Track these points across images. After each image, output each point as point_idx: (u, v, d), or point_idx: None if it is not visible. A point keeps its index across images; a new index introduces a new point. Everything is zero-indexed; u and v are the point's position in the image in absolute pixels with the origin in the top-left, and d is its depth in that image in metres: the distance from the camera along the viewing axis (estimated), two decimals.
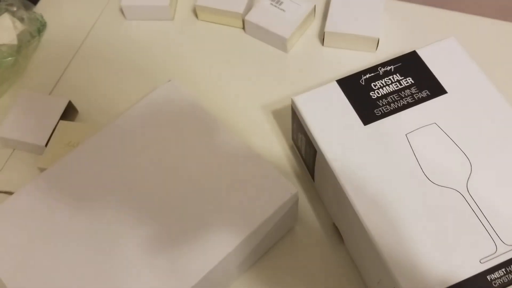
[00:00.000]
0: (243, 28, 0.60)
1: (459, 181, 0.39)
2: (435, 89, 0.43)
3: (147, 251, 0.38)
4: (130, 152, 0.43)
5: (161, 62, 0.59)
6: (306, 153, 0.46)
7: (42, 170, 0.51)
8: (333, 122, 0.42)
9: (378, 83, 0.44)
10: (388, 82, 0.44)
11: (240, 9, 0.58)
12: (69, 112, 0.55)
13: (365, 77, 0.45)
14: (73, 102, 0.56)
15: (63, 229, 0.40)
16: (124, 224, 0.40)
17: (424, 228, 0.37)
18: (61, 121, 0.53)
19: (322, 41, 0.58)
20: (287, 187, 0.40)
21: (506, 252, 0.36)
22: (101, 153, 0.44)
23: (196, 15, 0.62)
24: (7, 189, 0.51)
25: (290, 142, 0.52)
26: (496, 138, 0.41)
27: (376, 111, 0.43)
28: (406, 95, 0.43)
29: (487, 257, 0.36)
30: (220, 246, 0.38)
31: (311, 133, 0.42)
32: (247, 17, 0.57)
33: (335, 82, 0.45)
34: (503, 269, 0.35)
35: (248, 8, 0.59)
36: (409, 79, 0.44)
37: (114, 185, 0.42)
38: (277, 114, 0.54)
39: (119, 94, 0.57)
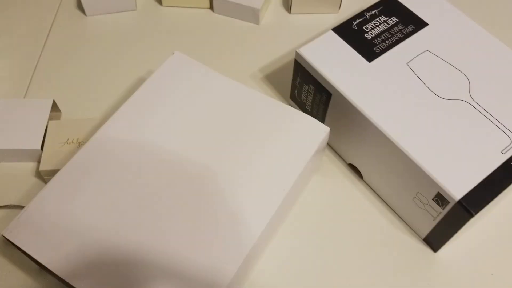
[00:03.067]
0: (211, 7, 0.61)
1: (463, 93, 0.44)
2: (418, 23, 0.49)
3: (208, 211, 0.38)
4: (156, 126, 0.43)
5: (134, 52, 0.58)
6: (315, 102, 0.49)
7: (43, 173, 0.48)
8: (341, 65, 0.46)
9: (369, 25, 0.48)
10: (377, 23, 0.48)
11: None
12: (52, 114, 0.53)
13: (355, 22, 0.49)
14: None
15: (106, 216, 0.39)
16: (170, 200, 0.39)
17: (449, 135, 0.42)
18: (50, 121, 0.50)
19: (289, 9, 0.61)
20: (320, 126, 0.43)
21: None
22: (125, 134, 0.42)
23: (160, 1, 0.62)
24: (12, 203, 0.48)
25: (288, 102, 0.54)
26: (479, 54, 0.47)
27: (375, 48, 0.47)
28: (395, 31, 0.48)
29: (506, 147, 0.41)
30: (277, 188, 0.39)
31: (324, 78, 0.45)
32: None
33: (332, 31, 0.48)
34: None
35: None
36: (393, 18, 0.49)
37: (149, 163, 0.41)
38: (267, 80, 0.56)
39: (99, 87, 0.55)
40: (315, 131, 0.43)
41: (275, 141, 0.42)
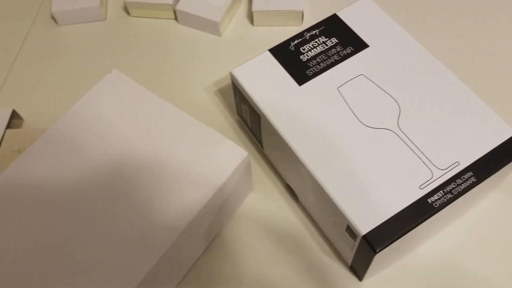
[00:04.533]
0: (176, 19, 0.62)
1: (390, 122, 0.43)
2: (358, 45, 0.47)
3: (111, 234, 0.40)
4: (83, 144, 0.44)
5: (99, 62, 0.60)
6: (252, 121, 0.49)
7: None
8: (271, 87, 0.45)
9: (306, 46, 0.47)
10: (315, 44, 0.48)
11: (169, 0, 0.60)
12: (15, 121, 0.56)
13: (293, 43, 0.48)
14: (18, 112, 0.57)
15: (25, 234, 0.41)
16: (88, 215, 0.41)
17: (366, 166, 0.41)
18: (7, 130, 0.53)
19: (251, 21, 0.61)
20: (238, 151, 0.43)
21: (441, 176, 0.40)
22: (52, 150, 0.44)
23: (128, 12, 0.63)
24: None
25: (236, 117, 0.55)
26: (418, 80, 0.45)
27: (308, 71, 0.46)
28: (333, 53, 0.47)
29: (425, 183, 0.40)
30: (184, 213, 0.40)
31: (253, 101, 0.45)
32: (178, 7, 0.59)
33: (268, 52, 0.47)
34: (441, 191, 0.39)
35: None
36: (333, 39, 0.48)
37: (76, 176, 0.43)
38: (219, 94, 0.56)
39: (64, 97, 0.58)
40: (233, 155, 0.43)
41: (193, 164, 0.43)
